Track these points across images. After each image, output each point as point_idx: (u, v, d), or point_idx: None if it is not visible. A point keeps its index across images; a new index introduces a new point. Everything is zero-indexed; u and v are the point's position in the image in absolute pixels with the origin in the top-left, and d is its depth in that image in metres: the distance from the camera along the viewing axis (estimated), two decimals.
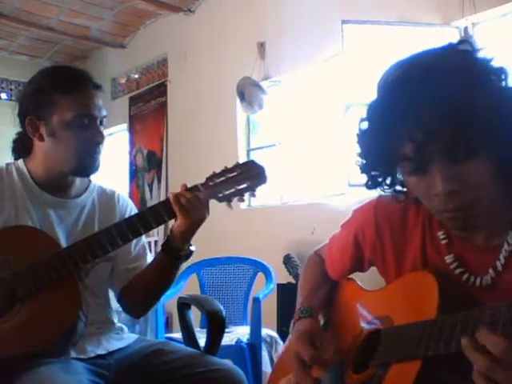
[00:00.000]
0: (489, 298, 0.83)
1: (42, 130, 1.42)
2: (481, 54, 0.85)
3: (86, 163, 1.45)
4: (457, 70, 0.82)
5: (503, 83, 0.84)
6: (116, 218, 1.53)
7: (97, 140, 1.43)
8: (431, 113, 0.79)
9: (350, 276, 1.17)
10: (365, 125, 0.91)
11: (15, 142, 1.54)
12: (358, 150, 0.94)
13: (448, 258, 0.94)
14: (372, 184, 0.96)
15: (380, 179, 0.95)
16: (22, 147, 1.51)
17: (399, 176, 0.92)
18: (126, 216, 1.54)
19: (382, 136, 0.86)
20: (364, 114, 0.92)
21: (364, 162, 0.94)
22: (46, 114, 1.41)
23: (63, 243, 1.41)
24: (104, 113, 1.46)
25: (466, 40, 0.88)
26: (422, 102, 0.80)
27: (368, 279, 1.15)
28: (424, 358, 0.82)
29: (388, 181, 0.95)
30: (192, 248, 1.44)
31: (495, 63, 0.84)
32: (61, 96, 1.40)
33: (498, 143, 0.82)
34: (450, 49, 0.87)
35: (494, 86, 0.83)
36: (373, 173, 0.94)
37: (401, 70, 0.86)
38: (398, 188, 0.96)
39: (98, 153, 1.45)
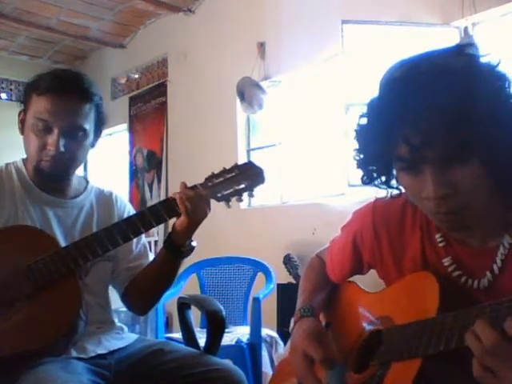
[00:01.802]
0: (487, 300, 0.83)
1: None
2: (486, 59, 0.83)
3: (42, 169, 1.41)
4: (460, 74, 0.80)
5: (507, 90, 0.81)
6: (114, 219, 1.53)
7: (48, 149, 1.38)
8: (430, 118, 0.78)
9: (350, 279, 1.17)
10: (364, 121, 0.91)
11: None
12: (356, 145, 0.94)
13: (446, 261, 0.94)
14: (367, 179, 0.95)
15: (375, 174, 0.94)
16: None
17: (394, 173, 0.92)
18: (124, 217, 1.54)
19: (379, 134, 0.86)
20: (364, 111, 0.91)
21: (360, 157, 0.94)
22: (25, 110, 1.44)
23: (62, 243, 1.41)
24: (81, 123, 1.39)
25: (471, 43, 0.87)
26: (421, 105, 0.79)
27: (368, 282, 1.15)
28: (424, 356, 0.82)
29: (383, 177, 0.94)
30: (193, 243, 1.45)
31: (501, 69, 0.82)
32: (34, 96, 1.41)
33: (493, 148, 0.81)
34: (455, 52, 0.86)
35: (497, 92, 0.81)
36: (369, 168, 0.94)
37: (403, 69, 0.85)
38: (393, 184, 0.95)
39: (54, 161, 1.39)
